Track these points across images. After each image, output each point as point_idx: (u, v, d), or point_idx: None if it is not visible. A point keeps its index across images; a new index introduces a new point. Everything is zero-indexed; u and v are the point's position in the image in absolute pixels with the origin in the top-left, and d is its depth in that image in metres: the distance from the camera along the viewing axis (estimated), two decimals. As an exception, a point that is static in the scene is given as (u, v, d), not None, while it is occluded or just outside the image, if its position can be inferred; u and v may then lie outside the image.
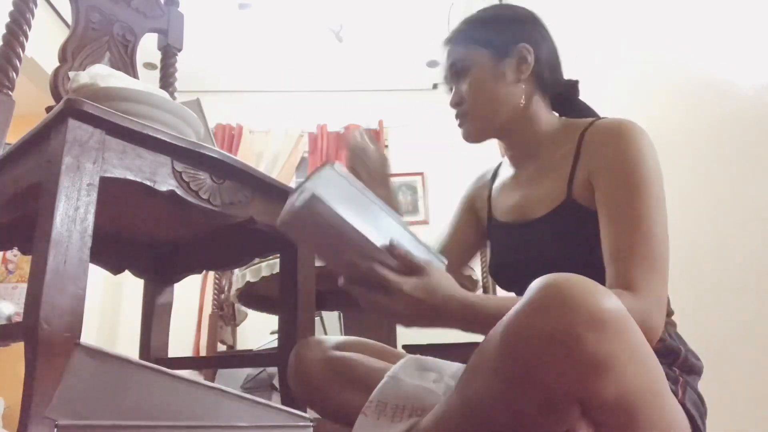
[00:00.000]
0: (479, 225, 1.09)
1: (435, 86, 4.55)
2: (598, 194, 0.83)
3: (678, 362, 0.82)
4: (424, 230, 3.98)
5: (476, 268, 2.39)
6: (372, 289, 0.73)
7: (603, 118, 0.92)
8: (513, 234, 0.96)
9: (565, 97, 1.00)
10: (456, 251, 1.08)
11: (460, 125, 0.98)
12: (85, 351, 0.54)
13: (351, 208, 0.71)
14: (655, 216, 0.78)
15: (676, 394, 0.76)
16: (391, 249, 0.73)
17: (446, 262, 0.80)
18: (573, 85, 1.00)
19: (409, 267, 0.73)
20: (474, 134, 0.98)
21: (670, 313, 0.88)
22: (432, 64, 4.28)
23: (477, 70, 0.94)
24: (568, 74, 1.01)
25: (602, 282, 0.73)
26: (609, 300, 0.58)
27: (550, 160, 0.93)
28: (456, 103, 0.97)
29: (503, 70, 0.93)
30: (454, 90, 0.99)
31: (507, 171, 1.05)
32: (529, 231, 0.92)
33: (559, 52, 0.99)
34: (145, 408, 0.58)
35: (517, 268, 0.93)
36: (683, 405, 0.75)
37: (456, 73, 0.97)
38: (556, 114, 0.99)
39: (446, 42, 1.00)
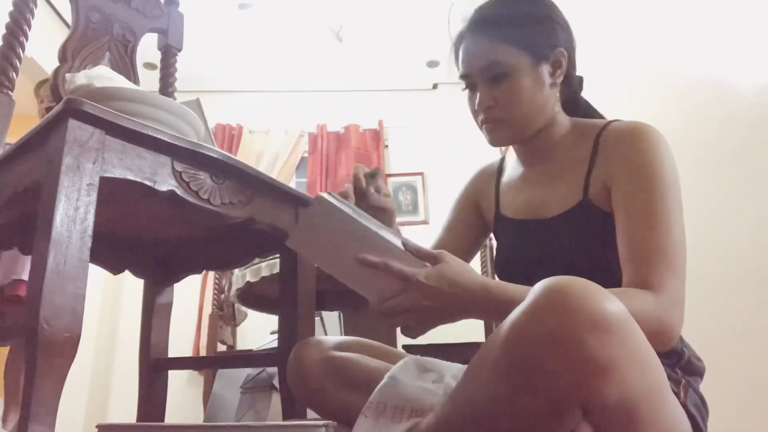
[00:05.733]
0: (482, 221, 1.08)
1: (435, 86, 4.54)
2: (616, 196, 0.83)
3: (680, 364, 0.82)
4: (424, 230, 3.98)
5: (476, 269, 2.38)
6: (391, 297, 0.74)
7: (616, 120, 0.91)
8: (524, 231, 0.96)
9: (572, 94, 0.97)
10: (456, 250, 1.07)
11: (489, 130, 0.91)
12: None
13: (354, 211, 0.77)
14: (673, 217, 0.78)
15: (678, 395, 0.76)
16: (404, 243, 0.75)
17: None
18: (581, 82, 0.99)
19: (424, 255, 0.75)
20: (506, 141, 0.93)
21: None
22: (432, 64, 4.27)
23: (518, 76, 0.87)
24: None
25: (615, 283, 0.73)
26: (611, 303, 0.58)
27: (564, 161, 0.93)
28: (488, 107, 0.90)
29: (542, 75, 0.89)
30: (484, 91, 0.89)
31: (515, 168, 1.03)
32: (542, 229, 0.92)
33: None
34: None
35: (527, 265, 0.92)
36: (685, 406, 0.75)
37: (493, 75, 0.88)
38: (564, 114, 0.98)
39: (474, 30, 0.90)
